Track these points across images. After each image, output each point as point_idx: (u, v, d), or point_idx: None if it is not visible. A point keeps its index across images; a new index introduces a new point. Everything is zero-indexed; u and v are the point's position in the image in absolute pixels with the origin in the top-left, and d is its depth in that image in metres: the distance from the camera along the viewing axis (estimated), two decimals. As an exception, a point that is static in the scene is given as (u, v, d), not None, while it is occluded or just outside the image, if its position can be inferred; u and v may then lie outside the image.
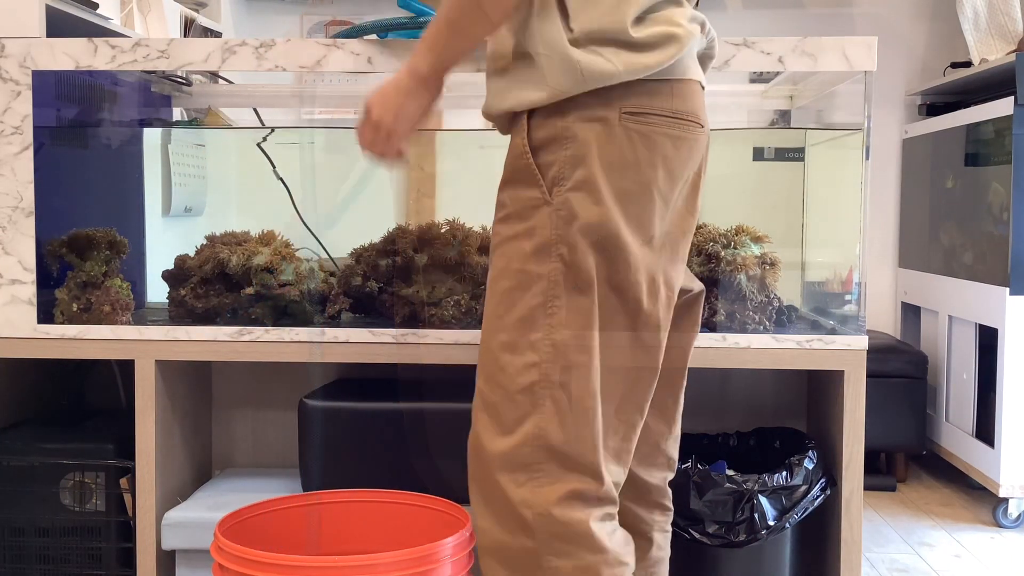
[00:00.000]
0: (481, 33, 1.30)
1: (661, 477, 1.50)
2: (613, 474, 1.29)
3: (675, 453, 1.52)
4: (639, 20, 1.25)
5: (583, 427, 1.25)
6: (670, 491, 1.52)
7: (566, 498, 1.24)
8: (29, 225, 1.86)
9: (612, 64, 1.23)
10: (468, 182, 2.49)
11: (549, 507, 1.23)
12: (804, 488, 1.80)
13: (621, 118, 1.24)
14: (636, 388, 1.32)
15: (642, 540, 1.47)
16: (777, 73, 2.13)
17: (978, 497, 2.97)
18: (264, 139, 2.17)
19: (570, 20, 1.25)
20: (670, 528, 1.53)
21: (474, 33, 1.29)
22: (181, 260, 1.97)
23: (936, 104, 3.44)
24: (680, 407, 1.51)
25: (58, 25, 1.97)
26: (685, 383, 1.51)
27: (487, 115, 1.37)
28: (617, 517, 1.32)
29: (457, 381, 1.79)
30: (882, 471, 3.15)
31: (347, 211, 2.35)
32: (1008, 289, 2.69)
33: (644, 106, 1.26)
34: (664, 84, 1.27)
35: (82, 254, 1.91)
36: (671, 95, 1.27)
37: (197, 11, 3.09)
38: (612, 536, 1.28)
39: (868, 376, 1.79)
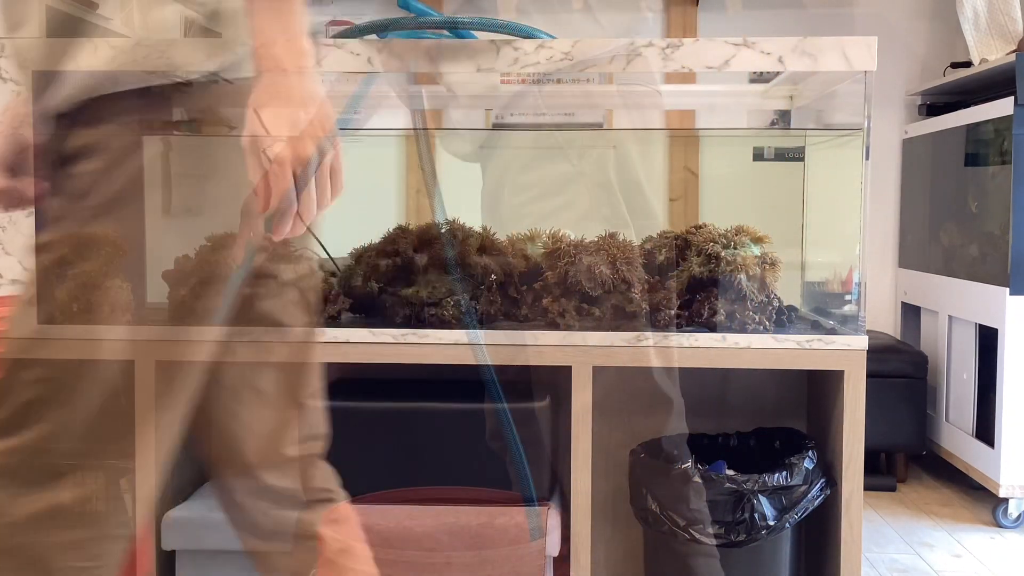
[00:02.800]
0: None
1: None
2: None
3: None
4: None
5: None
6: None
7: None
8: (29, 225, 1.85)
9: None
10: (469, 182, 2.49)
11: None
12: (804, 488, 1.80)
13: None
14: None
15: None
16: (777, 73, 2.13)
17: (978, 497, 2.97)
18: (264, 139, 2.16)
19: None
20: None
21: None
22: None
23: (936, 104, 3.44)
24: None
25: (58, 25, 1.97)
26: None
27: None
28: None
29: (457, 381, 1.80)
30: (882, 471, 3.15)
31: (347, 211, 2.35)
32: (1008, 289, 2.69)
33: None
34: None
35: (82, 254, 1.91)
36: None
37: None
38: None
39: (868, 376, 1.79)
